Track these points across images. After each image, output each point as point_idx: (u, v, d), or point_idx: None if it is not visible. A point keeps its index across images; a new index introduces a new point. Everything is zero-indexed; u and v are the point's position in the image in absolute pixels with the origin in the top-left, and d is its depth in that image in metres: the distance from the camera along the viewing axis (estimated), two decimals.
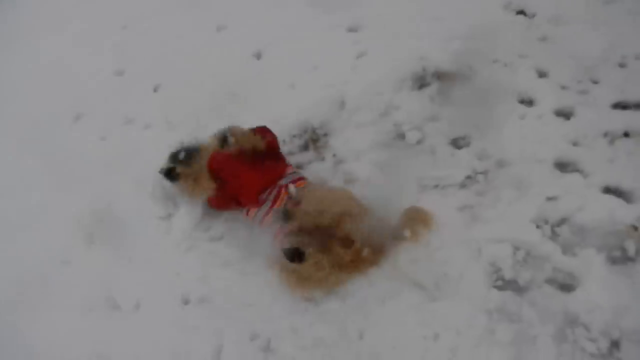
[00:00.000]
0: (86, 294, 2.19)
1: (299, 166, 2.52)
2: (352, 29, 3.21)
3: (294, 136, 2.65)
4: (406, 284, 1.97)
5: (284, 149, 2.54)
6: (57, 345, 2.08)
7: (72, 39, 3.86)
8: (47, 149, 3.02)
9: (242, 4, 3.64)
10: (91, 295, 2.18)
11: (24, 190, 2.78)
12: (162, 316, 2.07)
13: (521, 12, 3.06)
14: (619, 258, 1.97)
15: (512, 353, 1.76)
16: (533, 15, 3.02)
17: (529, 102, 2.55)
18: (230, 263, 2.18)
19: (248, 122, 2.46)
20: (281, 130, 2.58)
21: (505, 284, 1.96)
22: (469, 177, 2.32)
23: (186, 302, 2.10)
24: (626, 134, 2.35)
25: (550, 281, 1.95)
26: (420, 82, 2.74)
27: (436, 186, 2.33)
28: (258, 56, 3.22)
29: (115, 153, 2.84)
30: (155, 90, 3.20)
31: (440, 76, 2.74)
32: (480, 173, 2.32)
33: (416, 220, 2.09)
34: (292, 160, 2.54)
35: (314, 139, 2.62)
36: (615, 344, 1.76)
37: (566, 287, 1.93)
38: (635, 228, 2.01)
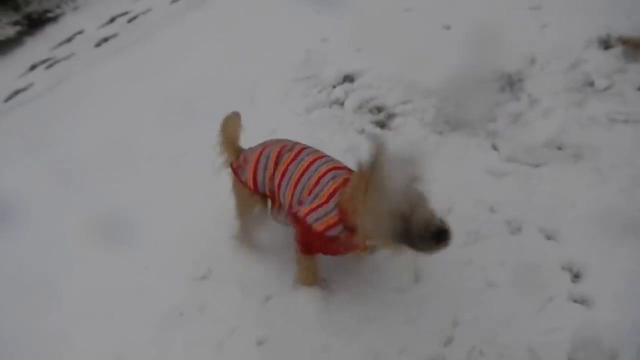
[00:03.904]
0: None
1: (498, 104, 3.00)
2: (534, 8, 3.69)
3: (491, 80, 3.16)
4: None
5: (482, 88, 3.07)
6: None
7: None
8: None
9: None
10: None
11: None
12: None
13: None
14: None
15: None
16: None
17: None
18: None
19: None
20: (478, 77, 3.13)
21: None
22: None
23: None
24: None
25: None
26: (606, 45, 3.14)
27: (626, 121, 2.70)
28: (447, 28, 3.78)
29: None
30: None
31: (625, 41, 3.12)
32: None
33: None
34: (490, 100, 3.04)
35: (510, 83, 3.11)
36: None
37: None
38: None
